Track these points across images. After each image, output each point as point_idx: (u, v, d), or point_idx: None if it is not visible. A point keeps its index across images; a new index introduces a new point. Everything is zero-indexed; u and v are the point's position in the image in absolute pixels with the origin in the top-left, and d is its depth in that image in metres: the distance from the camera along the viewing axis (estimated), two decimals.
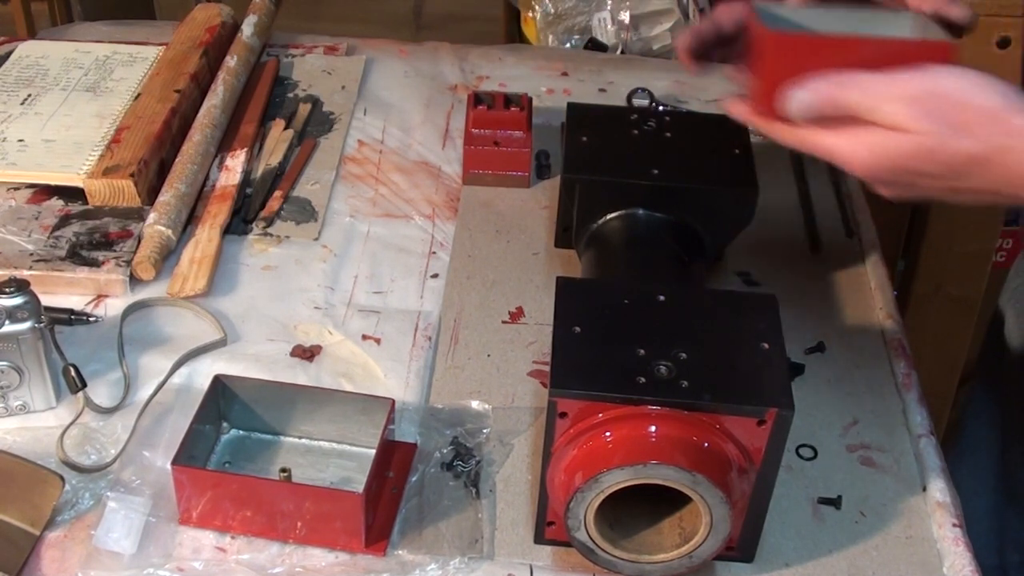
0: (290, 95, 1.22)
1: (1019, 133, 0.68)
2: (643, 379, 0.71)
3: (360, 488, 0.75)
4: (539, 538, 0.78)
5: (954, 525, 0.80)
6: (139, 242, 0.98)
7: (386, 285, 0.99)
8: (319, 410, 0.82)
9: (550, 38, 1.67)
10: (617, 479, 0.70)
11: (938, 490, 0.83)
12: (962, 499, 0.84)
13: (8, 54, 1.23)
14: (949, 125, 0.69)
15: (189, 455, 0.78)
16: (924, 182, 0.71)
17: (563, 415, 0.71)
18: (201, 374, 0.88)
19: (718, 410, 0.70)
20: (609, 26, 1.57)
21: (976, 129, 0.69)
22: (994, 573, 0.79)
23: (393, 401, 0.80)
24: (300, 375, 0.89)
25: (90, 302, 0.95)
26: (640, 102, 1.22)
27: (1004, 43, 1.35)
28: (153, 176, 1.06)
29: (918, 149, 0.70)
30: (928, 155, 0.70)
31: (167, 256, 0.99)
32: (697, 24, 0.86)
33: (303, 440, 0.84)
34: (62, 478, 0.78)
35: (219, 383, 0.82)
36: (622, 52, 1.46)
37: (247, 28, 1.25)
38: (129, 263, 0.96)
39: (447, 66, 1.30)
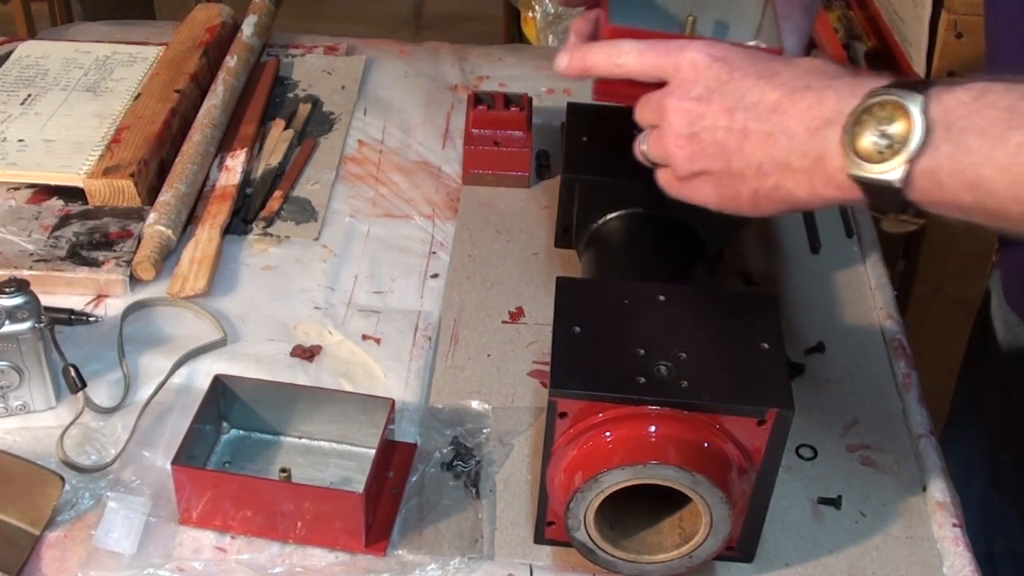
0: (290, 95, 1.22)
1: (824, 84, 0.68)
2: (643, 379, 0.71)
3: (360, 488, 0.75)
4: (539, 538, 0.78)
5: (954, 525, 0.80)
6: (139, 242, 0.98)
7: (386, 285, 0.99)
8: (319, 410, 0.82)
9: (550, 38, 1.67)
10: (617, 479, 0.70)
11: (938, 490, 0.83)
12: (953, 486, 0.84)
13: (8, 54, 1.23)
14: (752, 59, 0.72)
15: (189, 455, 0.78)
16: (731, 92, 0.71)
17: (563, 415, 0.71)
18: (201, 374, 0.88)
19: (718, 410, 0.70)
20: None
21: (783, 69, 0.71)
22: (982, 561, 0.79)
23: (393, 401, 0.80)
24: (300, 375, 0.89)
25: (90, 302, 0.95)
26: None
27: None
28: (153, 176, 1.06)
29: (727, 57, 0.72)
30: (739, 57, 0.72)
31: (167, 256, 0.99)
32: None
33: (303, 440, 0.84)
34: (62, 478, 0.78)
35: (219, 383, 0.82)
36: None
37: (247, 28, 1.25)
38: (129, 263, 0.96)
39: (447, 66, 1.30)
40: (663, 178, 0.78)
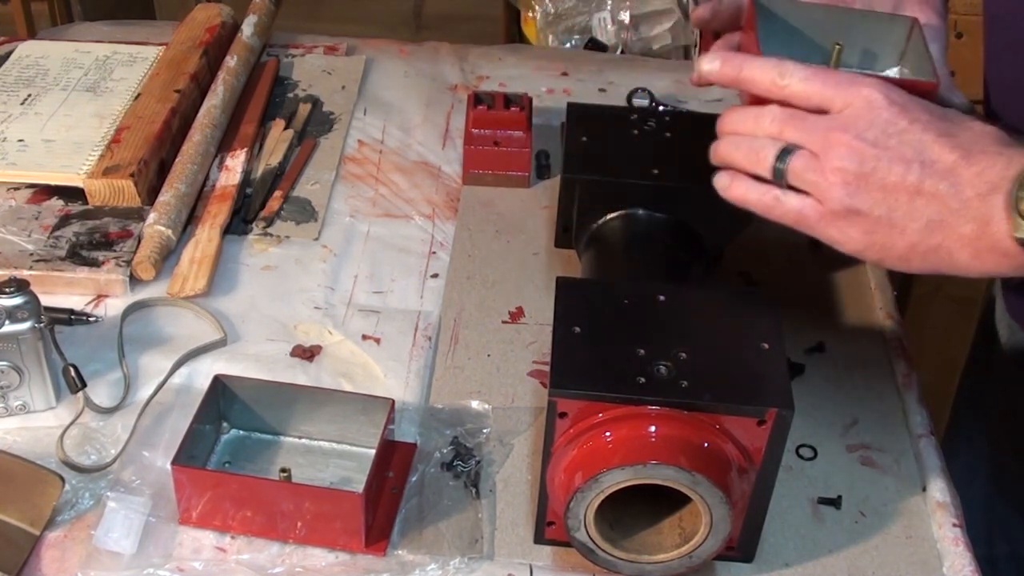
0: (290, 95, 1.22)
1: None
2: (643, 379, 0.71)
3: (360, 488, 0.75)
4: (539, 538, 0.78)
5: (954, 525, 0.80)
6: (139, 242, 0.98)
7: (386, 285, 0.99)
8: (319, 410, 0.82)
9: (550, 38, 1.67)
10: (617, 479, 0.70)
11: (938, 490, 0.83)
12: (955, 487, 0.84)
13: (8, 54, 1.23)
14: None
15: (189, 455, 0.78)
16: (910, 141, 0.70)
17: (563, 415, 0.71)
18: (201, 374, 0.88)
19: (718, 410, 0.70)
20: (609, 26, 1.57)
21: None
22: (984, 564, 0.80)
23: (393, 401, 0.80)
24: (300, 375, 0.89)
25: (90, 302, 0.95)
26: (640, 102, 1.22)
27: None
28: (153, 176, 1.06)
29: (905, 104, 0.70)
30: (917, 106, 0.70)
31: (167, 256, 0.99)
32: (717, 6, 0.87)
33: (303, 440, 0.84)
34: (62, 478, 0.78)
35: (219, 383, 0.82)
36: (622, 52, 1.46)
37: (247, 28, 1.25)
38: (129, 263, 0.96)
39: (447, 66, 1.30)
40: (800, 209, 0.73)
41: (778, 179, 0.73)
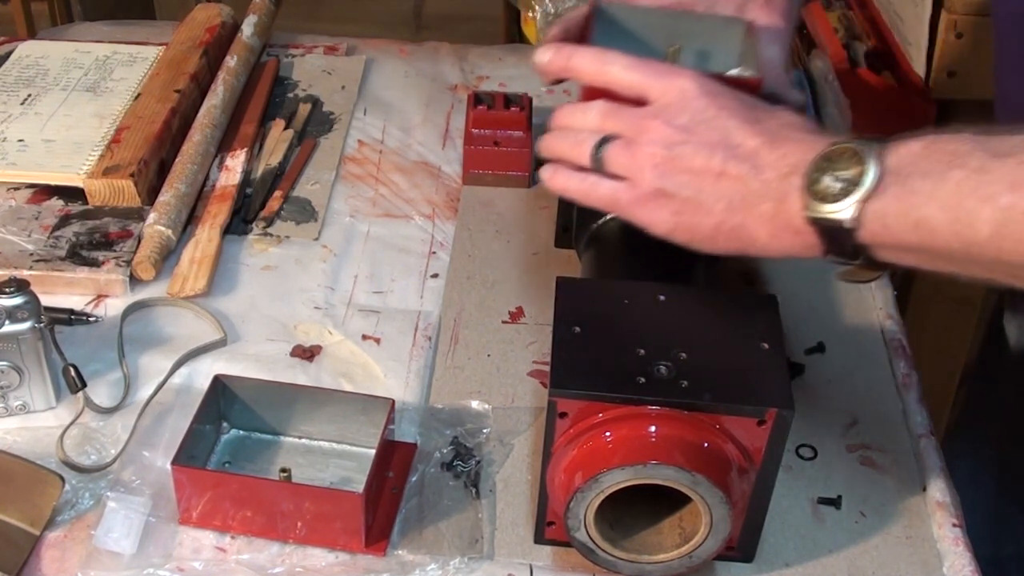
0: (290, 95, 1.22)
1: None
2: (643, 379, 0.71)
3: (360, 488, 0.75)
4: (539, 538, 0.78)
5: (954, 525, 0.80)
6: (139, 242, 0.98)
7: (386, 285, 0.99)
8: (319, 410, 0.82)
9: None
10: (617, 479, 0.70)
11: (938, 490, 0.83)
12: (960, 489, 0.84)
13: (8, 54, 1.23)
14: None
15: (189, 455, 0.78)
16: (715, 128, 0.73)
17: (563, 415, 0.71)
18: (201, 374, 0.88)
19: (718, 410, 0.70)
20: None
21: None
22: (989, 564, 0.80)
23: (393, 401, 0.80)
24: (300, 375, 0.89)
25: (90, 302, 0.95)
26: None
27: None
28: (153, 176, 1.06)
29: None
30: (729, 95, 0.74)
31: (167, 256, 0.99)
32: (569, 16, 0.90)
33: (303, 440, 0.84)
34: (62, 478, 0.78)
35: (219, 383, 0.82)
36: None
37: (247, 28, 1.25)
38: (129, 263, 0.96)
39: (447, 66, 1.30)
40: (613, 192, 0.77)
41: (597, 167, 0.78)
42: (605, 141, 0.77)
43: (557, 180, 0.81)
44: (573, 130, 0.80)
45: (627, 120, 0.76)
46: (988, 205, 0.62)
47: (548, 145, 0.82)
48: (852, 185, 0.67)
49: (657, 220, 0.76)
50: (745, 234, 0.73)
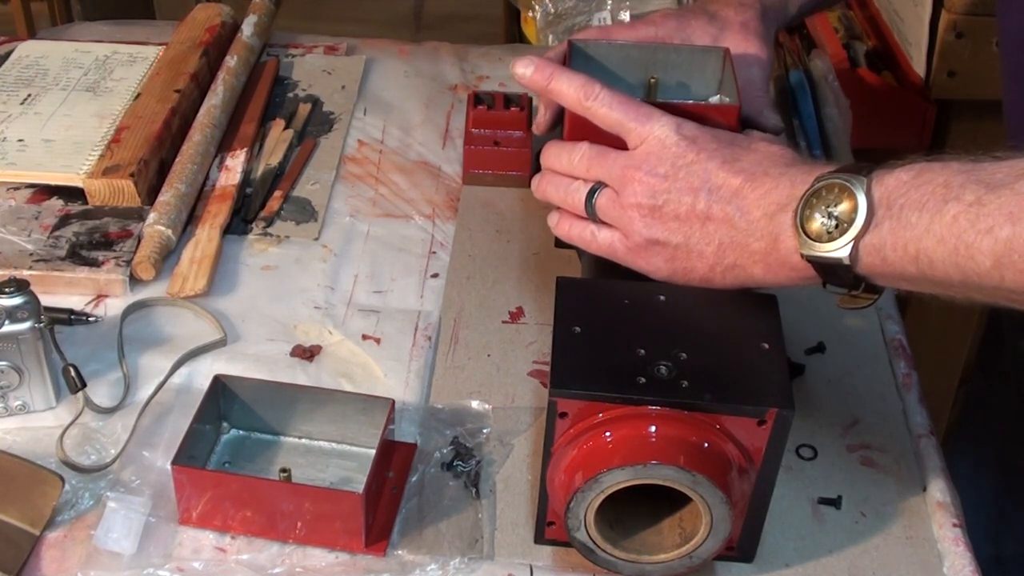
0: (290, 95, 1.22)
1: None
2: (643, 379, 0.71)
3: (360, 488, 0.75)
4: (539, 538, 0.78)
5: (954, 525, 0.80)
6: (139, 242, 0.98)
7: (386, 285, 0.99)
8: (319, 410, 0.82)
9: (550, 38, 1.67)
10: (617, 479, 0.70)
11: (938, 490, 0.83)
12: (962, 488, 0.84)
13: (8, 54, 1.23)
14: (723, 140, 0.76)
15: (189, 455, 0.78)
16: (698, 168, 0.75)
17: (563, 415, 0.71)
18: (201, 374, 0.88)
19: (718, 410, 0.70)
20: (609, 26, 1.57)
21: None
22: (991, 564, 0.80)
23: (393, 401, 0.80)
24: (300, 375, 0.89)
25: (90, 302, 0.95)
26: None
27: None
28: (153, 176, 1.06)
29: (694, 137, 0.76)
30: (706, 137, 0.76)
31: (167, 256, 0.99)
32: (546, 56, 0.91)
33: (303, 440, 0.84)
34: (62, 478, 0.78)
35: (219, 383, 0.82)
36: None
37: (247, 28, 1.25)
38: (129, 263, 0.96)
39: (447, 66, 1.30)
40: (610, 243, 0.80)
41: (592, 217, 0.81)
42: (594, 191, 0.80)
43: (561, 228, 0.84)
44: (564, 179, 0.82)
45: (611, 169, 0.78)
46: (988, 238, 0.62)
47: (544, 191, 0.85)
48: (845, 222, 0.68)
49: (654, 267, 0.78)
50: (741, 272, 0.75)
